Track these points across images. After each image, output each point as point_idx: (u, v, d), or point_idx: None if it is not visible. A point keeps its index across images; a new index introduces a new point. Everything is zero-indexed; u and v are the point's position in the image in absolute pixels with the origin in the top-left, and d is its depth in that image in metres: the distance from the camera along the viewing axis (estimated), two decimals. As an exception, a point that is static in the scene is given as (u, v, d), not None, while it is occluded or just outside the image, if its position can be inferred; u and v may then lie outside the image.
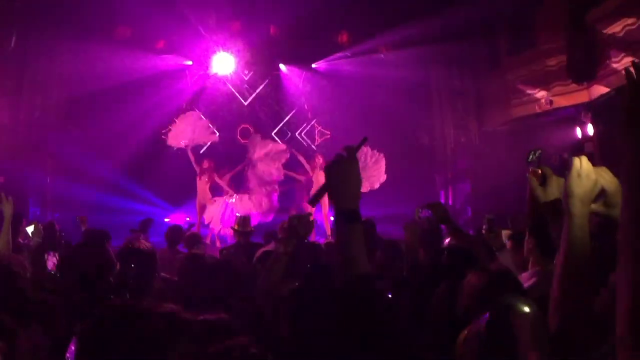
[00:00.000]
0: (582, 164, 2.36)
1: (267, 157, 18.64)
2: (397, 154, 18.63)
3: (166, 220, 17.92)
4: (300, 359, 3.69)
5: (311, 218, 4.72)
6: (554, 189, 2.64)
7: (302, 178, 18.76)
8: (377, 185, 17.96)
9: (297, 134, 21.50)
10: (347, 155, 2.64)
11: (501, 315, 2.46)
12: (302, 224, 4.55)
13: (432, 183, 19.45)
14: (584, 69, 14.60)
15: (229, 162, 19.38)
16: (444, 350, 3.22)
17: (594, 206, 2.33)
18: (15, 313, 3.93)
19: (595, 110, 15.07)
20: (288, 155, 18.83)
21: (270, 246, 7.92)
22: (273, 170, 18.57)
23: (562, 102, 15.86)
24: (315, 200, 2.78)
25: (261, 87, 21.39)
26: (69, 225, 11.49)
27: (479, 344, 2.49)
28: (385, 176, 18.09)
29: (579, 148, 11.03)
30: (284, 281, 4.41)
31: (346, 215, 2.54)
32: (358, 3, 18.23)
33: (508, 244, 7.40)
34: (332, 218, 12.60)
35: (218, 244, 16.90)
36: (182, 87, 20.55)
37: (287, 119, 21.69)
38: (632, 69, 1.94)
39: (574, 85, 15.14)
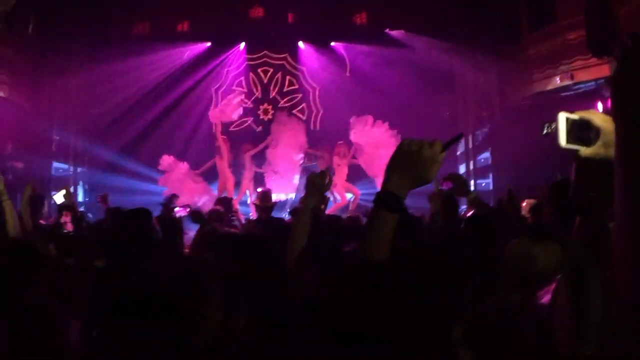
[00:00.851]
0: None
1: (290, 135, 18.78)
2: (418, 129, 18.68)
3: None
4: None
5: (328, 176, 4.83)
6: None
7: (323, 155, 18.87)
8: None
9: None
10: (437, 145, 2.49)
11: None
12: (321, 179, 4.67)
13: (453, 157, 19.48)
14: (604, 43, 14.54)
15: (253, 140, 19.61)
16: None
17: (591, 149, 2.31)
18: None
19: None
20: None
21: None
22: (295, 149, 18.75)
23: (583, 76, 15.80)
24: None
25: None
26: (91, 208, 11.60)
27: None
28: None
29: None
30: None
31: (388, 199, 2.51)
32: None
33: (529, 216, 7.55)
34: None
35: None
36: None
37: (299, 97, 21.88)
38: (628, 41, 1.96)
39: (594, 59, 15.07)
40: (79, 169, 19.24)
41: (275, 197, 14.78)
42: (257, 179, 19.03)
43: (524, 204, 8.58)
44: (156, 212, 10.58)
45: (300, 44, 21.51)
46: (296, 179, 18.77)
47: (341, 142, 18.73)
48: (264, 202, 10.59)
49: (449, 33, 19.89)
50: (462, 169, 19.35)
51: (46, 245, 5.90)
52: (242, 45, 21.27)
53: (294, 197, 18.10)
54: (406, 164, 2.47)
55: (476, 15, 18.93)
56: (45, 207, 9.26)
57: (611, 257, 1.96)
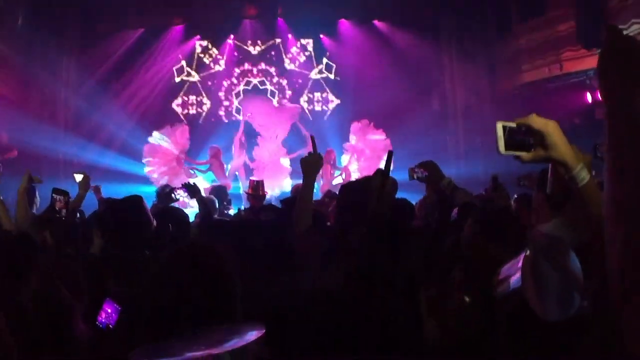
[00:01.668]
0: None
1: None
2: (408, 121, 18.76)
3: None
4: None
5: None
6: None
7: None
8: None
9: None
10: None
11: None
12: (313, 157, 4.88)
13: (444, 146, 19.55)
14: (593, 35, 14.64)
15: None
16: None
17: (532, 153, 2.44)
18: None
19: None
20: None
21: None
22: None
23: (572, 67, 15.88)
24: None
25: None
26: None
27: None
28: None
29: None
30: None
31: None
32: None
33: (513, 205, 7.64)
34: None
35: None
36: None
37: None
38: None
39: (584, 50, 15.15)
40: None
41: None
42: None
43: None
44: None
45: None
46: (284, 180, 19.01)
47: (330, 148, 18.76)
48: (256, 191, 10.66)
49: (438, 23, 19.99)
50: (452, 159, 19.34)
51: (42, 234, 5.94)
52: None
53: (277, 193, 18.13)
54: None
55: (466, 5, 18.97)
56: (37, 197, 9.23)
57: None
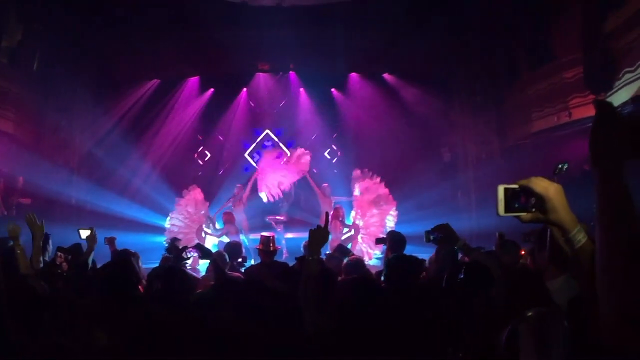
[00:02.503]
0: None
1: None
2: (419, 172, 18.80)
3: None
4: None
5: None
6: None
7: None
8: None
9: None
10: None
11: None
12: (321, 232, 5.01)
13: (454, 198, 19.49)
14: (600, 80, 14.63)
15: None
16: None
17: (531, 215, 2.49)
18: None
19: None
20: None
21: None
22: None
23: (580, 114, 15.87)
24: None
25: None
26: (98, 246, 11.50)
27: None
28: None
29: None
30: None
31: None
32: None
33: (529, 259, 7.60)
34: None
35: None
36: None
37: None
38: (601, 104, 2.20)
39: (591, 96, 15.15)
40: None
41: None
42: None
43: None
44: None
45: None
46: None
47: (338, 205, 18.87)
48: (267, 247, 10.61)
49: (448, 75, 20.11)
50: (463, 211, 19.24)
51: (39, 283, 6.06)
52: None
53: None
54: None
55: (475, 56, 19.07)
56: (49, 244, 9.24)
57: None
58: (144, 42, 18.34)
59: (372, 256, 16.65)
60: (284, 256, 16.12)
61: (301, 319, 4.75)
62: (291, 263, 8.38)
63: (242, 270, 10.08)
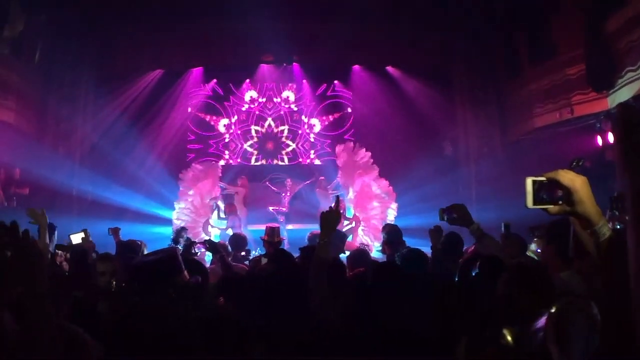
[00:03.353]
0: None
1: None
2: (421, 164, 18.82)
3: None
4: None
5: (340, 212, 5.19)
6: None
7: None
8: None
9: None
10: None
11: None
12: (332, 216, 5.02)
13: (455, 191, 19.50)
14: (603, 77, 14.64)
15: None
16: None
17: (559, 207, 2.53)
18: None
19: (614, 118, 15.12)
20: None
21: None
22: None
23: (582, 110, 15.89)
24: None
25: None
26: (99, 236, 11.46)
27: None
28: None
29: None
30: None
31: None
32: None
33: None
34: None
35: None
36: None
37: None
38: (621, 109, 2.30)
39: (593, 93, 15.17)
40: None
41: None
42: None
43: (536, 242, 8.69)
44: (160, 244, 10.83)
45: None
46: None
47: (322, 177, 19.37)
48: (272, 238, 10.67)
49: (450, 69, 20.12)
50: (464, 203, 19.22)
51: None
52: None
53: None
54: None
55: (477, 51, 19.07)
56: (54, 235, 9.26)
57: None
58: (146, 32, 18.33)
59: (373, 248, 16.71)
60: (285, 247, 16.19)
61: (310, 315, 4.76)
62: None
63: (246, 262, 10.15)
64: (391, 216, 18.37)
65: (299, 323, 4.61)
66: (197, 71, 21.23)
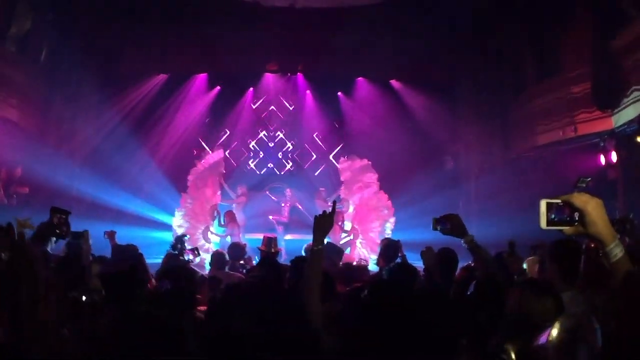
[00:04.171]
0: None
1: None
2: (422, 178, 18.82)
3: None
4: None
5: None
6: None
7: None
8: None
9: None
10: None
11: None
12: (326, 221, 4.92)
13: (455, 206, 19.44)
14: (608, 96, 14.62)
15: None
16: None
17: (573, 228, 2.61)
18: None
19: (618, 137, 15.10)
20: None
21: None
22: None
23: (586, 129, 15.84)
24: None
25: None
26: (97, 239, 11.39)
27: None
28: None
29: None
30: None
31: None
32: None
33: (536, 268, 7.63)
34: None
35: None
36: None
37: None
38: None
39: (598, 112, 15.14)
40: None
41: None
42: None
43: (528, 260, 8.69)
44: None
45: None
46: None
47: (322, 188, 19.40)
48: (269, 248, 10.63)
49: (454, 84, 20.14)
50: (463, 219, 19.15)
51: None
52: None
53: None
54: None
55: (482, 66, 19.06)
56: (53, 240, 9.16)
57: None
58: (152, 37, 18.34)
59: (370, 261, 16.68)
60: (282, 258, 16.15)
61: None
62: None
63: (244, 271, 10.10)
64: (388, 230, 18.35)
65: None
66: (201, 77, 21.24)
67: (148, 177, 19.56)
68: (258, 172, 22.11)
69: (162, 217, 19.12)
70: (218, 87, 21.63)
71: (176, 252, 10.57)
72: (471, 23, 17.28)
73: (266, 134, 22.38)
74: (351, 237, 18.26)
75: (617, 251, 2.56)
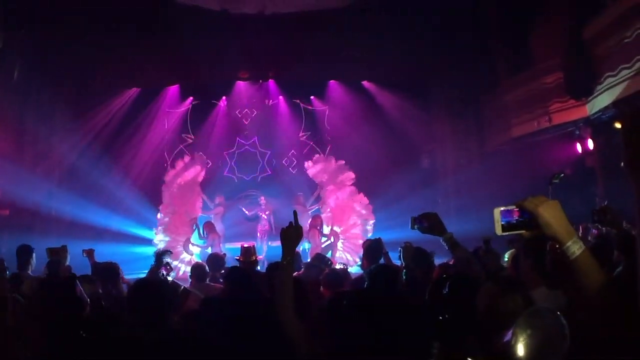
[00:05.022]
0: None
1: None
2: (399, 178, 18.83)
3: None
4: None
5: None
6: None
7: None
8: None
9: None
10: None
11: None
12: (294, 231, 4.87)
13: (434, 204, 19.43)
14: (582, 85, 14.69)
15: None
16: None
17: (530, 231, 2.72)
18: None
19: (594, 124, 15.15)
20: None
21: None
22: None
23: (560, 118, 15.96)
24: None
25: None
26: (76, 257, 11.28)
27: None
28: None
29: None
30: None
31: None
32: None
33: (509, 265, 7.61)
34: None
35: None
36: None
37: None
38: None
39: (572, 101, 15.30)
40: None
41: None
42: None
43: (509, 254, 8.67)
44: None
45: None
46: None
47: (316, 214, 19.03)
48: (247, 257, 10.53)
49: (427, 83, 20.17)
50: (442, 217, 19.11)
51: None
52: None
53: None
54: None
55: (455, 64, 19.06)
56: (33, 258, 9.08)
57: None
58: (122, 51, 18.22)
59: (354, 264, 16.61)
60: (265, 266, 16.02)
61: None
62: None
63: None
64: (369, 230, 18.36)
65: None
66: (173, 89, 21.18)
67: (126, 192, 19.45)
68: (235, 180, 21.97)
69: (143, 232, 19.03)
70: (191, 98, 21.62)
71: (157, 267, 10.49)
72: (439, 21, 17.28)
73: (241, 142, 22.23)
74: (331, 240, 18.21)
75: (574, 249, 2.61)
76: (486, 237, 8.68)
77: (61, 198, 18.53)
